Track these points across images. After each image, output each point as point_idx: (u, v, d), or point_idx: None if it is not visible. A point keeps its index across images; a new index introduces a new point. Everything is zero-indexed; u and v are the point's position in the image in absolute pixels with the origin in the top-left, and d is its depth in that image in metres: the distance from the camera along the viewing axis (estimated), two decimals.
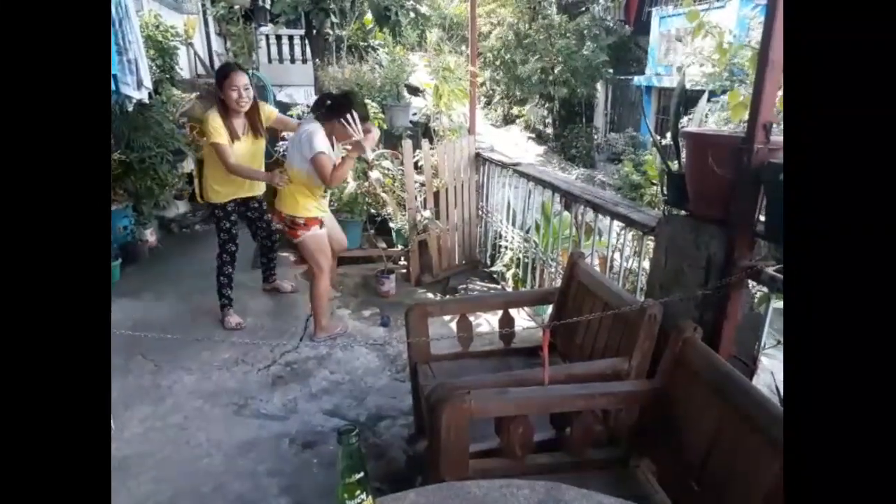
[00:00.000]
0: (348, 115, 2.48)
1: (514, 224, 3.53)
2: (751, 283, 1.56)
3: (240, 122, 2.78)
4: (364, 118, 2.57)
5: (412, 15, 6.20)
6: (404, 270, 3.82)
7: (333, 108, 2.55)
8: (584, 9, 13.16)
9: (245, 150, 2.81)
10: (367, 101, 4.17)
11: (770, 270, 1.45)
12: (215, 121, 2.68)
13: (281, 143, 3.86)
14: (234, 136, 2.73)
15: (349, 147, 2.55)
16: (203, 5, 7.75)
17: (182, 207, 5.09)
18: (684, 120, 4.12)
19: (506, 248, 3.64)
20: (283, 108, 4.74)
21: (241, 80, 2.68)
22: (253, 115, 2.82)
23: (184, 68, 5.86)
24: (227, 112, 2.72)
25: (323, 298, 2.89)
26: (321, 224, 2.77)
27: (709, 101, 4.73)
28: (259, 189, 3.06)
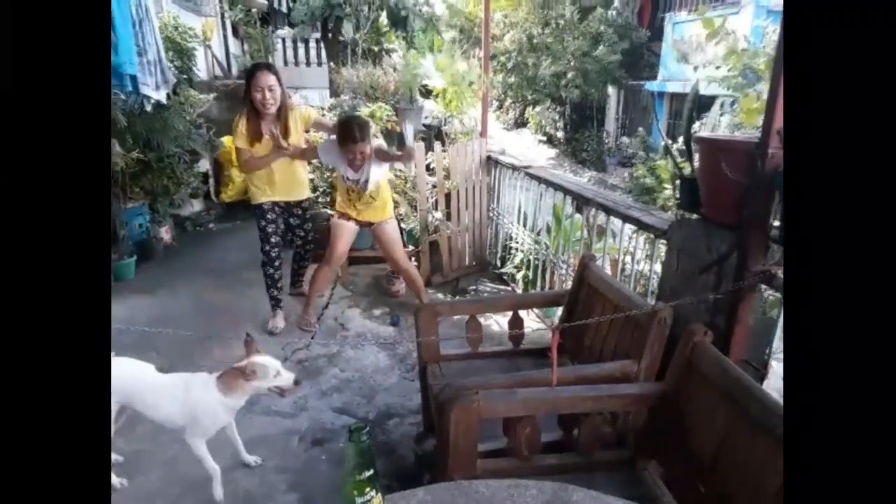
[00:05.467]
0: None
1: (524, 226, 3.54)
2: (763, 287, 1.55)
3: (268, 124, 2.70)
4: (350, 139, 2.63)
5: (425, 16, 6.24)
6: None
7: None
8: (598, 15, 13.11)
9: (266, 152, 2.74)
10: (380, 104, 4.23)
11: (782, 275, 1.44)
12: (238, 125, 2.70)
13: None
14: (254, 137, 2.70)
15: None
16: (221, 8, 7.85)
17: (197, 206, 5.16)
18: (697, 125, 4.09)
19: (516, 249, 3.64)
20: None
21: (266, 80, 2.61)
22: (284, 117, 2.73)
23: (202, 70, 5.93)
24: (254, 114, 2.67)
25: (311, 287, 2.99)
26: (346, 217, 2.91)
27: (722, 105, 4.70)
28: (302, 193, 2.99)
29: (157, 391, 1.75)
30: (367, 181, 2.76)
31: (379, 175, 2.79)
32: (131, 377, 1.75)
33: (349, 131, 2.58)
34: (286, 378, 1.75)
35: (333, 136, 2.71)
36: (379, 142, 2.83)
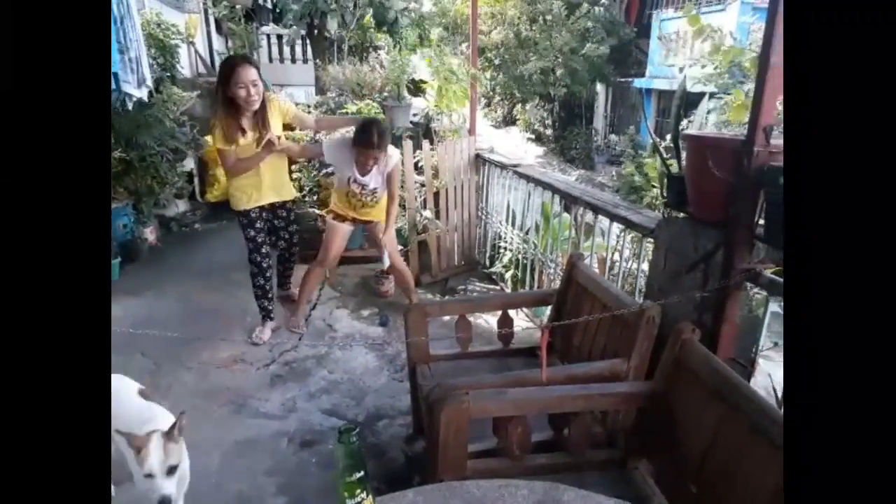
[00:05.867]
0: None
1: (513, 225, 3.54)
2: (749, 285, 1.57)
3: (248, 121, 2.53)
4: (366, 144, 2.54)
5: (413, 15, 6.22)
6: None
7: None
8: (587, 12, 13.18)
9: (250, 151, 2.55)
10: (368, 101, 4.20)
11: (768, 273, 1.45)
12: (216, 127, 2.52)
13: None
14: (234, 137, 2.52)
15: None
16: (204, 4, 7.75)
17: (182, 206, 5.09)
18: (684, 122, 4.12)
19: (505, 248, 3.65)
20: None
21: (249, 74, 2.41)
22: (263, 113, 2.54)
23: (185, 67, 5.86)
24: (233, 110, 2.47)
25: (302, 288, 2.95)
26: (342, 219, 2.86)
27: (710, 101, 4.74)
28: (287, 194, 2.85)
29: (128, 415, 1.54)
30: (375, 189, 2.71)
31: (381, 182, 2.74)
32: (113, 393, 1.53)
33: (369, 136, 2.47)
34: (153, 488, 1.29)
35: (343, 135, 2.57)
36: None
